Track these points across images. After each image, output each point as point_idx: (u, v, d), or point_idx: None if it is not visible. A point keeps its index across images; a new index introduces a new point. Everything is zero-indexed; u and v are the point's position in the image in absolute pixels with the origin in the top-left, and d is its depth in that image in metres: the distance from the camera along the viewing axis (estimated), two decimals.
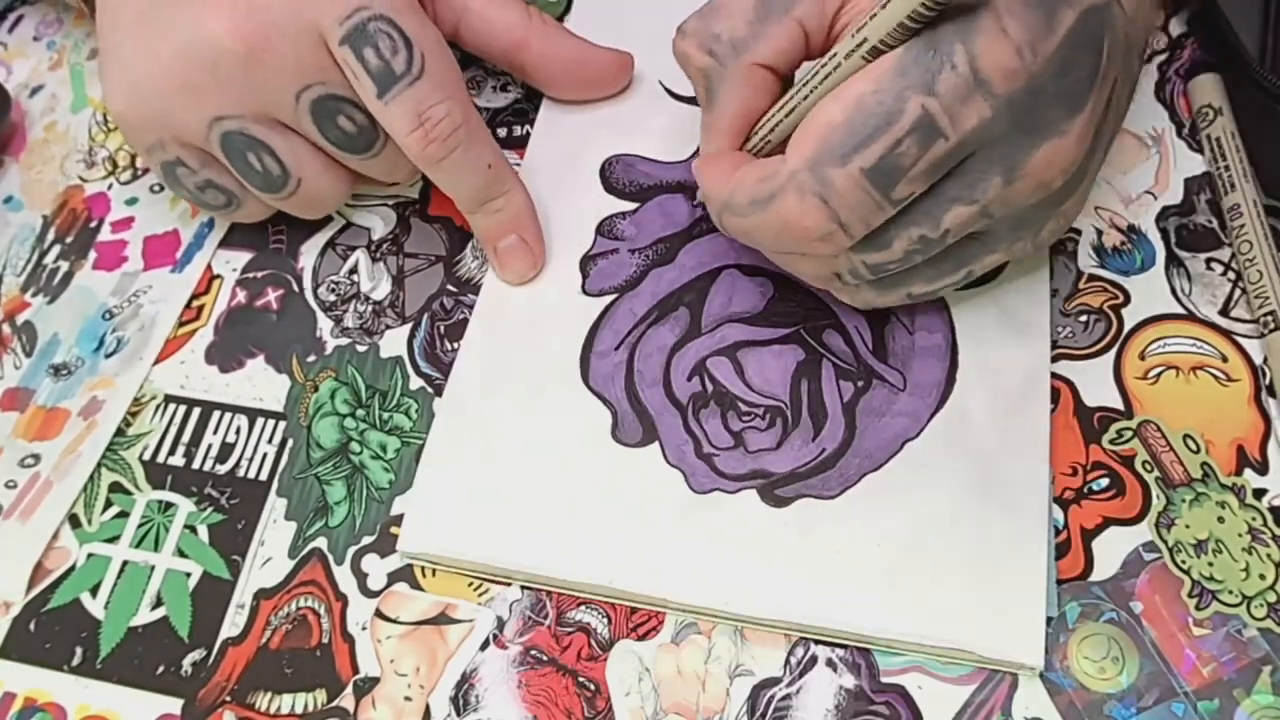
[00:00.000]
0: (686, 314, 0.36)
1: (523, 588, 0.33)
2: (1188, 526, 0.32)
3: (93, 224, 0.43)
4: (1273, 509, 0.32)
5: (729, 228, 0.31)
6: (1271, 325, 0.33)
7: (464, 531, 0.33)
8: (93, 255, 0.42)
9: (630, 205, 0.39)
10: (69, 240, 0.43)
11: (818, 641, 0.31)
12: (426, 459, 0.34)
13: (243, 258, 0.41)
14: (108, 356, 0.39)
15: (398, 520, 0.34)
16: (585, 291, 0.37)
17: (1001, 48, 0.25)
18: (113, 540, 0.35)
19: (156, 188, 0.43)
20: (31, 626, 0.34)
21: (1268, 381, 0.33)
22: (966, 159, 0.27)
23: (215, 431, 0.37)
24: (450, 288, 0.39)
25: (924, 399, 0.34)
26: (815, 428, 0.33)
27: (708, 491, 0.33)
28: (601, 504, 0.33)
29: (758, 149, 0.32)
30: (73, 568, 0.35)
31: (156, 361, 0.39)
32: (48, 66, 0.48)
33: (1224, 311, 0.35)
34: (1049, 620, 0.30)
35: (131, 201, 0.43)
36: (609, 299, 0.37)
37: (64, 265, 0.42)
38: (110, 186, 0.44)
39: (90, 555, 0.35)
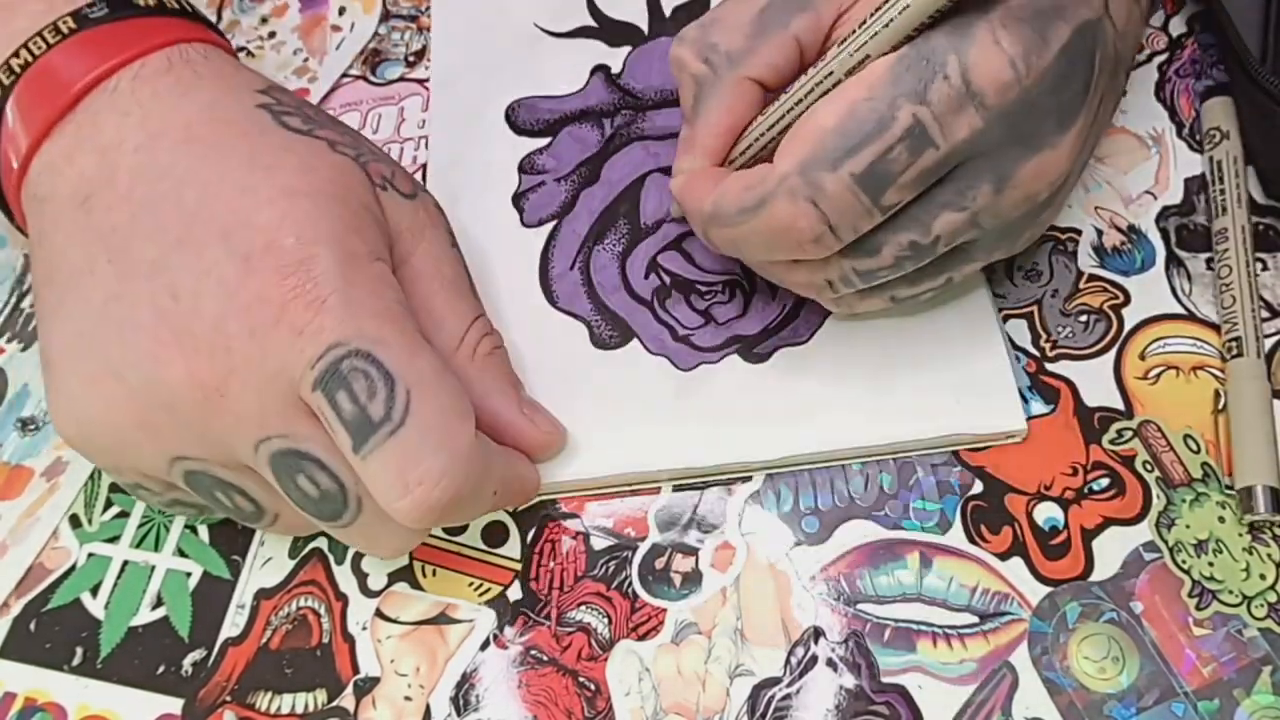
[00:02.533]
0: (625, 223, 0.38)
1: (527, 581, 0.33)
2: (1188, 526, 0.32)
3: None
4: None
5: (715, 240, 0.31)
6: (1235, 351, 0.33)
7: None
8: None
9: (543, 141, 0.41)
10: None
11: (812, 465, 0.34)
12: None
13: None
14: None
15: None
16: (525, 225, 0.39)
17: (995, 60, 0.26)
18: (113, 540, 0.35)
19: None
20: (31, 626, 0.34)
21: (1221, 405, 0.33)
22: (957, 167, 0.27)
23: None
24: None
25: None
26: (772, 288, 0.36)
27: (693, 367, 0.35)
28: (601, 404, 0.35)
29: (740, 164, 0.32)
30: (73, 568, 0.35)
31: None
32: None
33: None
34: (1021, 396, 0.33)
35: None
36: (549, 227, 0.39)
37: None
38: None
39: (90, 555, 0.35)
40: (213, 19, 0.49)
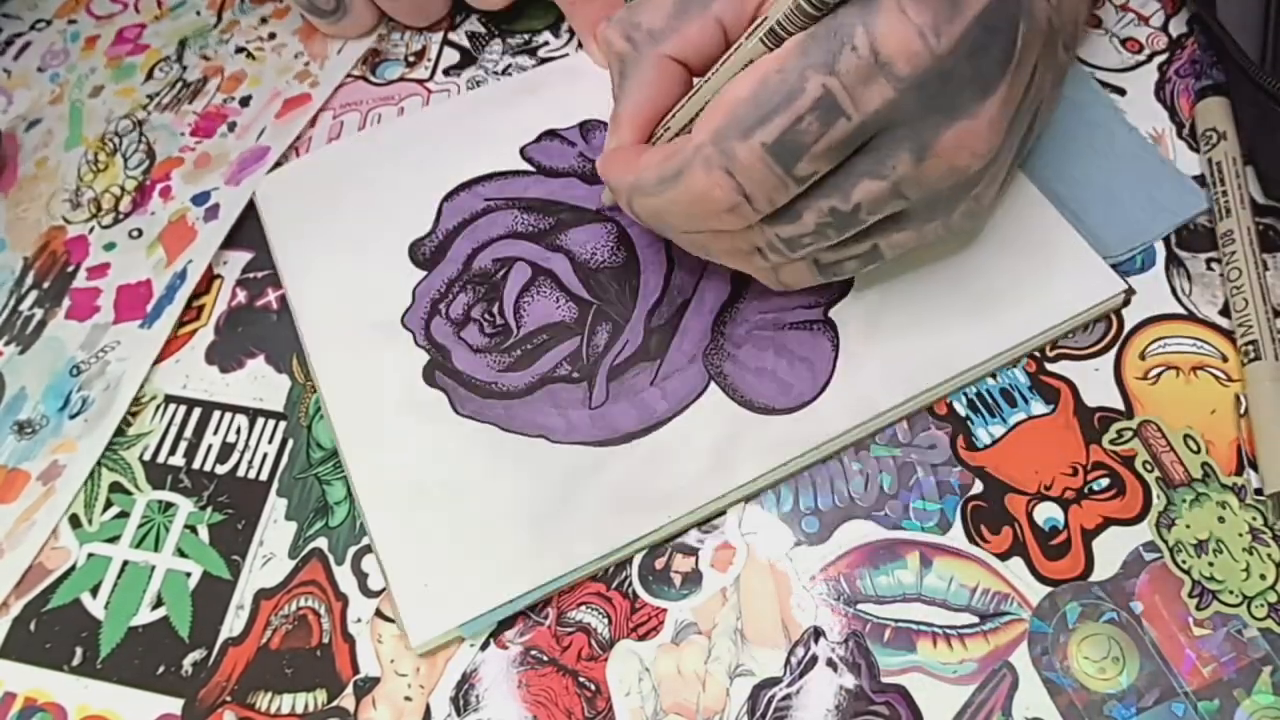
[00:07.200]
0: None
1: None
2: (1188, 526, 0.32)
3: (70, 269, 0.42)
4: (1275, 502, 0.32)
5: (639, 211, 0.31)
6: (1252, 354, 0.33)
7: (459, 593, 0.32)
8: (66, 303, 0.41)
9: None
10: (45, 286, 0.41)
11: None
12: (384, 557, 0.33)
13: (243, 258, 0.41)
14: (72, 417, 0.38)
15: None
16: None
17: (903, 30, 0.26)
18: (113, 540, 0.35)
19: (135, 233, 0.42)
20: (31, 626, 0.34)
21: (1243, 410, 0.33)
22: (876, 135, 0.28)
23: (215, 432, 0.37)
24: None
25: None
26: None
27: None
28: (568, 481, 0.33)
29: (664, 141, 0.32)
30: (73, 568, 0.35)
31: (158, 362, 0.39)
32: (48, 100, 0.47)
33: (1224, 311, 0.35)
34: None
35: (109, 247, 0.42)
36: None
37: (38, 313, 0.41)
38: (91, 230, 0.43)
39: (90, 555, 0.35)
40: (213, 19, 0.49)
